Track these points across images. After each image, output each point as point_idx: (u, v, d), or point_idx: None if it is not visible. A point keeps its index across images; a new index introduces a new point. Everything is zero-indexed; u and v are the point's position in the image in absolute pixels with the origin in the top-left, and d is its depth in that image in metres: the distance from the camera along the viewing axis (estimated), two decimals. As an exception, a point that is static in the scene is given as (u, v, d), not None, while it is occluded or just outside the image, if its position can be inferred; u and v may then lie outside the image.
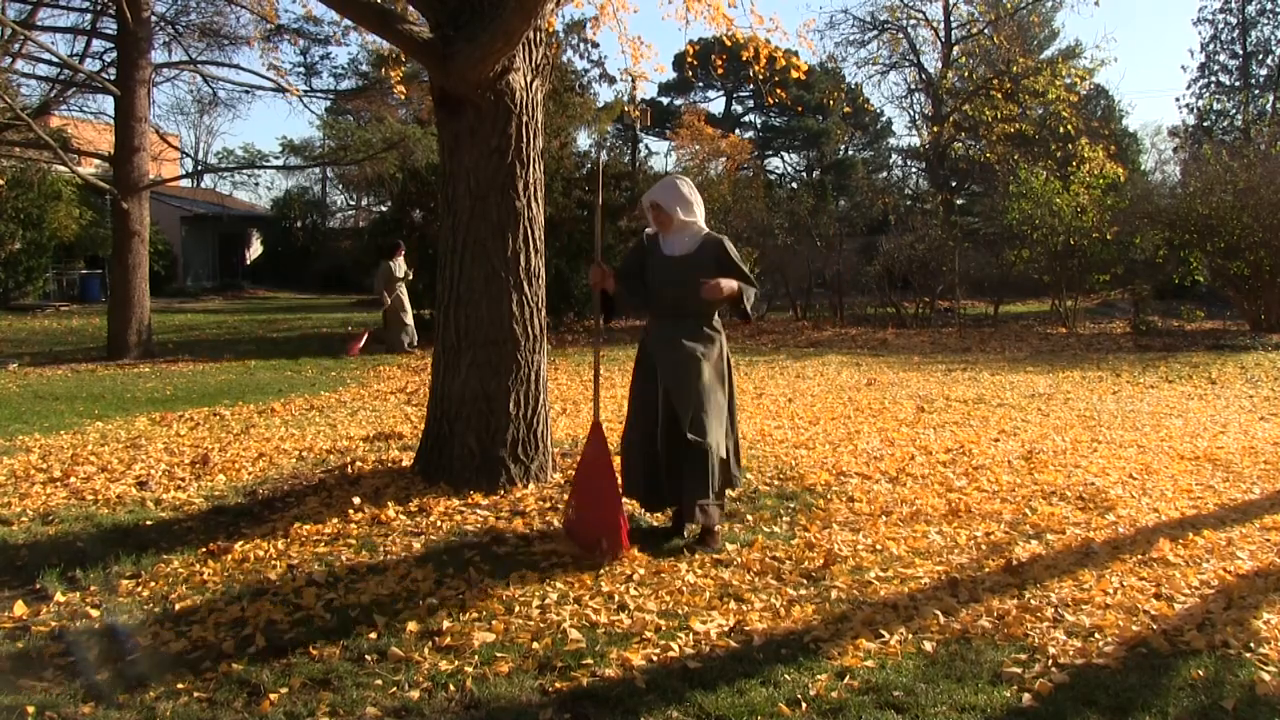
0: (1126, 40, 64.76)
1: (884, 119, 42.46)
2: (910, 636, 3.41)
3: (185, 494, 5.50)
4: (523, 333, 5.35)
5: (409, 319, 14.60)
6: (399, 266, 14.39)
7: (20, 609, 3.78)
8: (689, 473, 4.30)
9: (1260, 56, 36.57)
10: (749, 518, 4.88)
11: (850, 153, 43.52)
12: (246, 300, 28.87)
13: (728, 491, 4.68)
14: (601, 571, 4.08)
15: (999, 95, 25.26)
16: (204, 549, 4.46)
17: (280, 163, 26.42)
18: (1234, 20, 36.70)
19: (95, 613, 3.76)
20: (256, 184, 48.42)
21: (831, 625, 3.52)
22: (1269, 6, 35.95)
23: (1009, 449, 6.61)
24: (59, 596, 3.93)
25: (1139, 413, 8.29)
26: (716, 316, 4.62)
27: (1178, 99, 60.57)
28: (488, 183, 5.28)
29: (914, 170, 41.72)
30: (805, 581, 4.00)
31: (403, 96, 14.82)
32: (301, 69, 19.94)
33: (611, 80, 27.91)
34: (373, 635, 3.47)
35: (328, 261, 32.63)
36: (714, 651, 3.33)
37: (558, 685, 3.09)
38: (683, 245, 4.51)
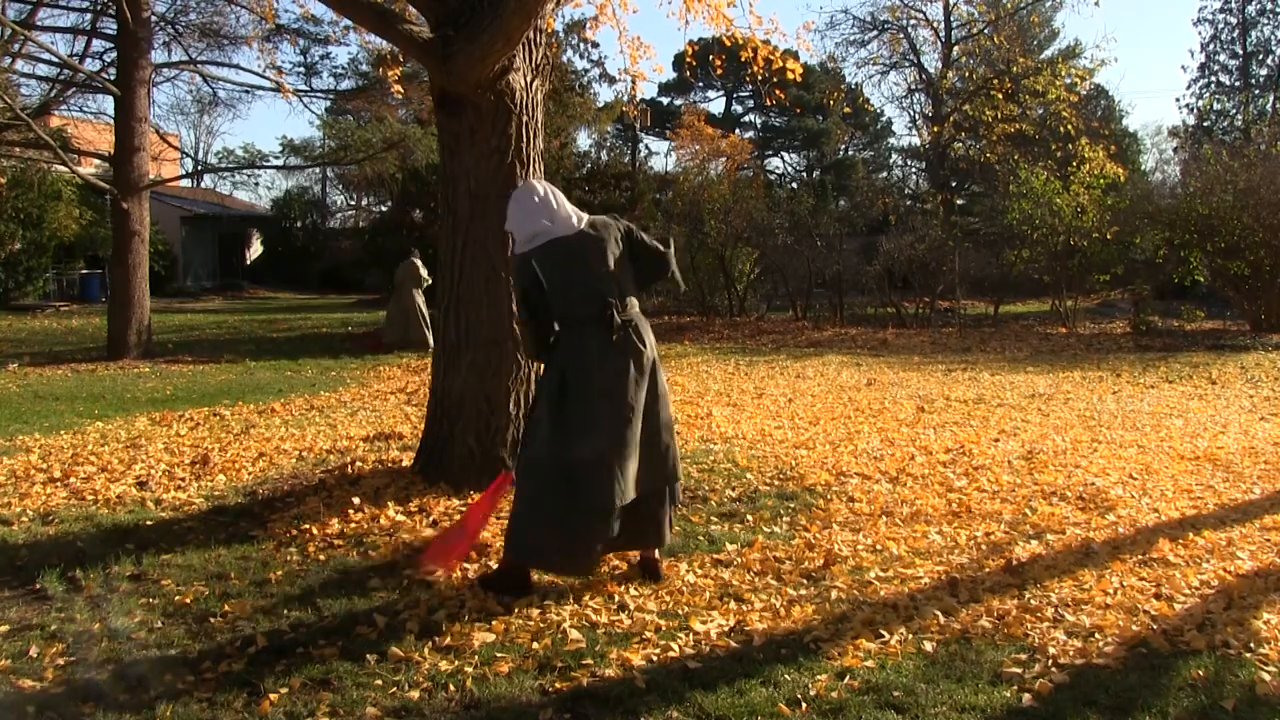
0: (1126, 40, 64.90)
1: (884, 119, 42.54)
2: (910, 636, 3.41)
3: (185, 494, 5.50)
4: (523, 333, 5.35)
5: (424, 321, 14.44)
6: (422, 267, 14.38)
7: (20, 609, 3.78)
8: None
9: (1260, 56, 36.60)
10: (749, 518, 4.88)
11: (850, 153, 43.53)
12: (246, 300, 28.88)
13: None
14: (602, 572, 4.08)
15: (999, 95, 25.25)
16: (205, 548, 4.46)
17: (280, 163, 26.44)
18: (1234, 20, 36.72)
19: (95, 613, 3.77)
20: (256, 184, 48.40)
21: (831, 625, 3.52)
22: (1269, 6, 35.99)
23: (1009, 449, 6.61)
24: (59, 596, 3.93)
25: (1139, 413, 8.29)
26: None
27: (1178, 99, 60.69)
28: (488, 183, 5.28)
29: (914, 170, 41.80)
30: (805, 581, 4.00)
31: (401, 96, 14.81)
32: (301, 69, 19.85)
33: (611, 80, 27.81)
34: (373, 635, 3.47)
35: (328, 261, 32.71)
36: (714, 651, 3.33)
37: (558, 685, 3.09)
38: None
